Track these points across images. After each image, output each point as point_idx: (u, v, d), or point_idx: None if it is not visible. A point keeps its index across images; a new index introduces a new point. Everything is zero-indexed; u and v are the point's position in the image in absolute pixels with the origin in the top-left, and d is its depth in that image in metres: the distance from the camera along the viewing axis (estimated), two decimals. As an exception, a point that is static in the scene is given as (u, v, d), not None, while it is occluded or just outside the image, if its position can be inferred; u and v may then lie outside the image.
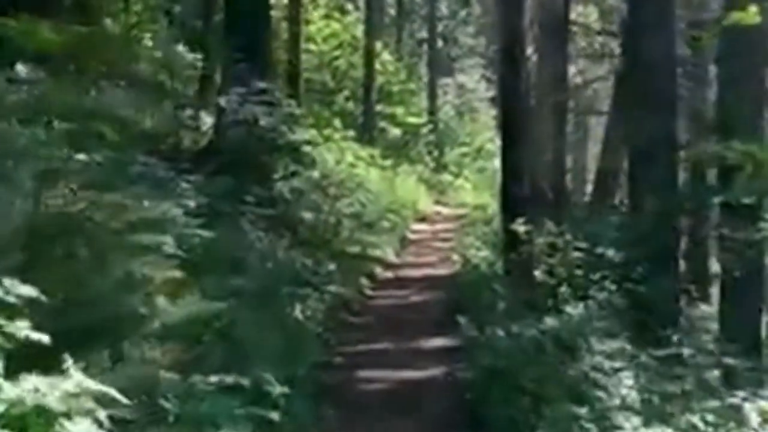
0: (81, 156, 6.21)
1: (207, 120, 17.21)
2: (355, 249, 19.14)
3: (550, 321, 8.80)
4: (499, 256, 17.98)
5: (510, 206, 15.09)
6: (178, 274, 6.46)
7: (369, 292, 15.76)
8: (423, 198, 29.08)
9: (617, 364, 8.01)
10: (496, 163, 44.24)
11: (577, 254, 12.11)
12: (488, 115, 48.83)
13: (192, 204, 9.91)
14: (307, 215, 18.82)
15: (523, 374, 7.90)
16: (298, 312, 10.55)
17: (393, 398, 9.07)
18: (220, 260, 9.37)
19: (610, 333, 8.80)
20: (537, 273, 15.03)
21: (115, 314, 5.43)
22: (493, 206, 28.91)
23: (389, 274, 18.23)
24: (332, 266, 15.18)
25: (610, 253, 11.59)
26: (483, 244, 21.61)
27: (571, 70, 23.41)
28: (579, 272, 11.76)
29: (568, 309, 9.56)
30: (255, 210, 13.69)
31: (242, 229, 12.41)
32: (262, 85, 15.09)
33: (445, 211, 28.46)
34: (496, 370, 8.33)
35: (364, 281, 16.44)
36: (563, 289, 12.07)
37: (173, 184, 10.38)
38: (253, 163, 14.82)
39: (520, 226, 12.53)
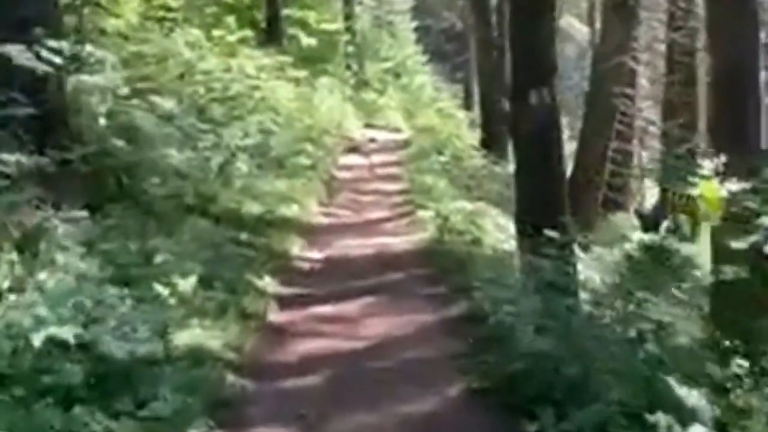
0: None
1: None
2: (253, 208, 10.10)
3: None
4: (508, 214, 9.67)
5: (524, 125, 8.26)
6: None
7: (272, 319, 6.74)
8: (351, 121, 19.93)
9: None
10: (420, 79, 35.83)
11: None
12: (407, 30, 39.63)
13: None
14: (173, 154, 9.62)
15: None
16: None
17: None
18: None
19: None
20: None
21: None
22: (445, 130, 20.11)
23: (314, 255, 9.25)
24: (195, 268, 6.07)
25: None
26: (454, 188, 12.79)
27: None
28: None
29: None
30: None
31: None
32: None
33: (380, 136, 19.37)
34: None
35: (264, 284, 7.43)
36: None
37: None
38: None
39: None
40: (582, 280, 8.78)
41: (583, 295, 8.29)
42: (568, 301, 7.14)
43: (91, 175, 6.87)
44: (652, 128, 21.70)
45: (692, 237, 18.09)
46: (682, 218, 18.69)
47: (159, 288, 5.47)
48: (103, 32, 12.82)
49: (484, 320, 6.24)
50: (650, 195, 22.50)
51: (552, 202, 8.27)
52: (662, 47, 18.32)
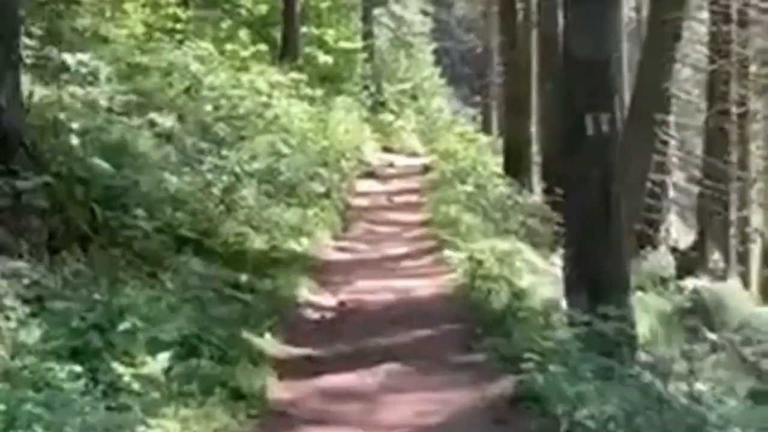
0: None
1: None
2: (258, 243, 8.70)
3: None
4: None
5: (577, 161, 6.92)
6: None
7: (271, 397, 5.25)
8: (368, 144, 18.53)
9: None
10: (437, 102, 34.49)
11: None
12: (426, 51, 38.32)
13: None
14: (168, 179, 8.27)
15: None
16: None
17: None
18: None
19: None
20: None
21: None
22: (468, 156, 18.64)
23: (325, 301, 7.81)
24: (176, 331, 4.63)
25: None
26: (487, 222, 11.36)
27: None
28: None
29: None
30: None
31: None
32: None
33: (399, 161, 17.93)
34: None
35: (263, 344, 6.00)
36: None
37: None
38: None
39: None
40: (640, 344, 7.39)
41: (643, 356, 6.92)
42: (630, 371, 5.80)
43: (56, 209, 5.46)
44: (675, 157, 20.24)
45: (725, 274, 16.60)
46: (717, 256, 17.22)
47: (120, 368, 4.05)
48: (101, 40, 11.53)
49: (540, 405, 4.79)
50: (675, 229, 21.00)
51: (612, 256, 6.82)
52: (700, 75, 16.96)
